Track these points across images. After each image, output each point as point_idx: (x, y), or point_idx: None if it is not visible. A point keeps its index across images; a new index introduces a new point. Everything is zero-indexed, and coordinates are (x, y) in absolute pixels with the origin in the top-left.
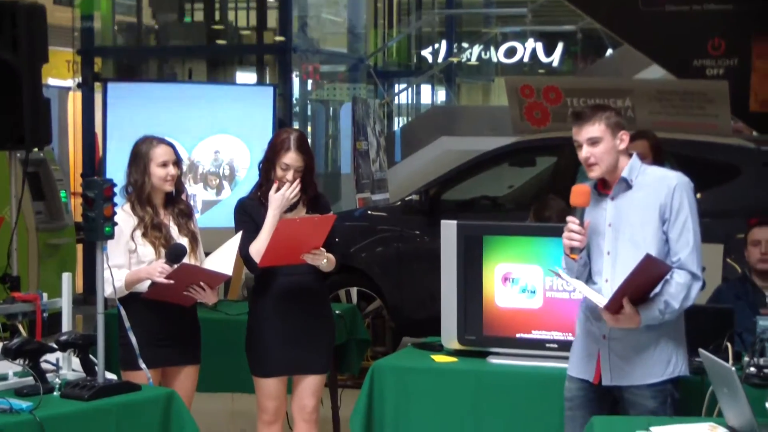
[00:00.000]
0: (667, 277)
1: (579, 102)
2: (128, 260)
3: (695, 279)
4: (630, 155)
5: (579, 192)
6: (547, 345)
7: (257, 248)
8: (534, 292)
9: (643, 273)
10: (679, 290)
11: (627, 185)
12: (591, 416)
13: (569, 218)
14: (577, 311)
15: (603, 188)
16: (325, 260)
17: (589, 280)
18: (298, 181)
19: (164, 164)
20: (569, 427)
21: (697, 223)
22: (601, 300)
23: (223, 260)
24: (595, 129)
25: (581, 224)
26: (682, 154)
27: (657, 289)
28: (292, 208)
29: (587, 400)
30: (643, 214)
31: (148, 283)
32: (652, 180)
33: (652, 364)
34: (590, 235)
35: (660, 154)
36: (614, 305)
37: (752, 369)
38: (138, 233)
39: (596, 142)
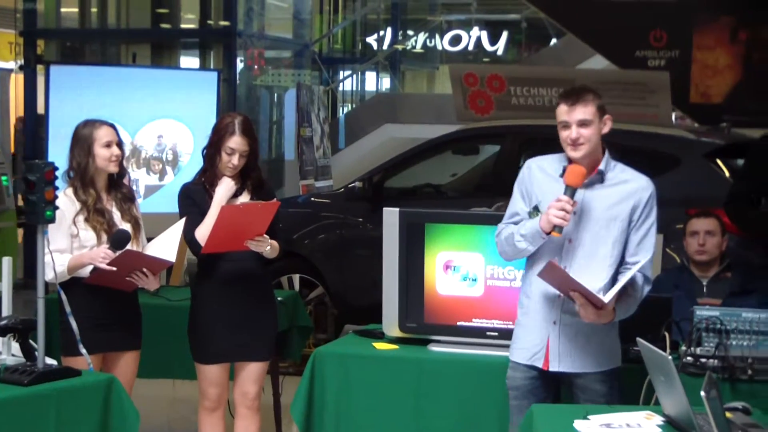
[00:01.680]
0: (632, 278)
1: (522, 91)
2: (70, 245)
3: (647, 282)
4: (604, 148)
5: (575, 172)
6: (488, 333)
7: (203, 232)
8: (475, 280)
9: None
10: (639, 290)
11: (601, 178)
12: (537, 403)
13: (562, 197)
14: (519, 299)
15: None
16: (268, 247)
17: (531, 259)
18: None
19: (108, 144)
20: (515, 416)
21: (656, 231)
22: (600, 297)
23: (166, 246)
24: (587, 111)
25: (572, 204)
26: (623, 144)
27: (624, 289)
28: (236, 194)
29: (533, 388)
30: (614, 210)
31: (90, 268)
32: (626, 178)
33: (601, 352)
34: None
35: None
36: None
37: (689, 358)
38: (80, 218)
39: (587, 123)
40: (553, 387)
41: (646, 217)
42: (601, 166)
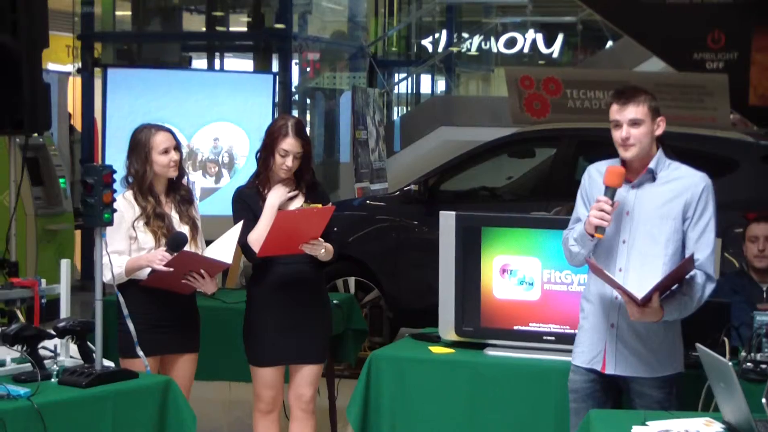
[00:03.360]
0: (687, 276)
1: (579, 93)
2: (128, 247)
3: (710, 280)
4: (658, 146)
5: (614, 172)
6: (545, 338)
7: (255, 237)
8: (532, 284)
9: (680, 272)
10: (697, 290)
11: (652, 177)
12: (596, 407)
13: (600, 197)
14: (578, 303)
15: (625, 174)
16: (323, 250)
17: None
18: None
19: (166, 151)
20: (574, 419)
21: (717, 227)
22: (636, 294)
23: (223, 249)
24: (639, 110)
25: (612, 204)
26: (681, 146)
27: (675, 286)
28: (289, 200)
29: (593, 391)
30: (665, 208)
31: (147, 270)
32: (678, 176)
33: (657, 357)
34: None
35: (662, 148)
36: (647, 299)
37: (749, 364)
38: (140, 222)
39: (638, 123)
40: (613, 392)
41: (702, 213)
42: (651, 165)
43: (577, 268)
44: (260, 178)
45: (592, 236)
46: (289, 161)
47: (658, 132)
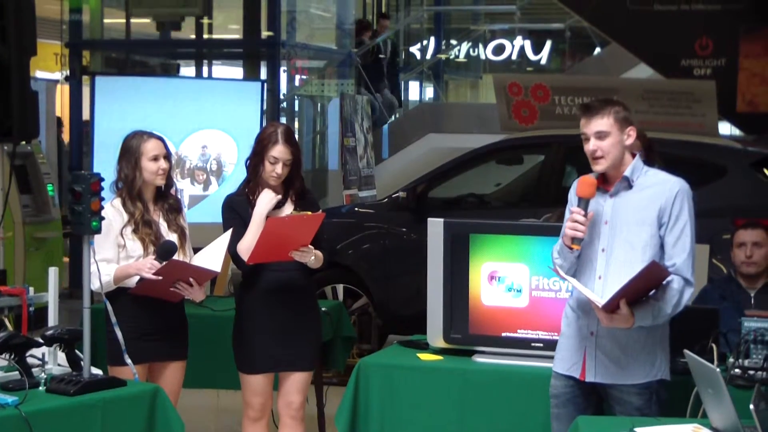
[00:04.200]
0: (664, 282)
1: (567, 100)
2: (117, 255)
3: (688, 285)
4: (634, 154)
5: (585, 183)
6: (533, 344)
7: (245, 246)
8: (520, 291)
9: (646, 277)
10: (672, 295)
11: (628, 184)
12: (577, 414)
13: (573, 209)
14: (563, 310)
15: (602, 183)
16: (313, 257)
17: (577, 273)
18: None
19: (155, 158)
20: (555, 425)
21: (694, 231)
22: (599, 299)
23: (211, 257)
24: (603, 122)
25: (585, 215)
26: (669, 153)
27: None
28: (279, 204)
29: (573, 397)
30: (641, 215)
31: (136, 278)
32: (654, 182)
33: (637, 364)
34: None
35: (651, 155)
36: (612, 305)
37: (737, 370)
38: (128, 229)
39: (604, 135)
40: (594, 398)
41: (678, 217)
42: (627, 173)
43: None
44: (250, 185)
45: (571, 248)
46: (278, 168)
47: (629, 141)
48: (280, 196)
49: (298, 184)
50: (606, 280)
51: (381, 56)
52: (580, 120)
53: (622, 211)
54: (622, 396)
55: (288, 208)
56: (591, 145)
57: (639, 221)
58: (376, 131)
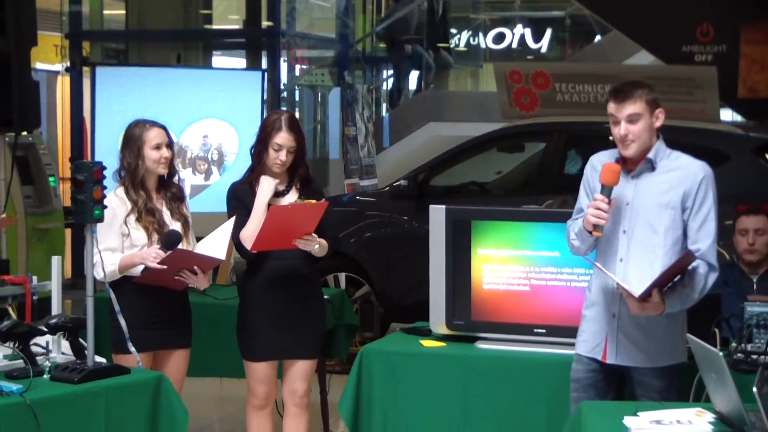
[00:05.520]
0: (689, 267)
1: (567, 87)
2: (121, 244)
3: (712, 270)
4: (658, 136)
5: (610, 170)
6: (535, 330)
7: (247, 234)
8: (522, 277)
9: (679, 266)
10: (699, 280)
11: (651, 166)
12: (597, 398)
13: (598, 195)
14: (568, 296)
15: (624, 164)
16: (317, 246)
17: (597, 254)
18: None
19: (158, 147)
20: (575, 409)
21: (718, 216)
22: (635, 291)
23: (215, 245)
24: (636, 106)
25: (609, 202)
26: (671, 139)
27: (677, 278)
28: (283, 192)
29: (594, 381)
30: (664, 198)
31: (140, 267)
32: (678, 165)
33: (659, 347)
34: None
35: None
36: (644, 295)
37: (740, 355)
38: (132, 218)
39: (635, 119)
40: (615, 382)
41: (702, 203)
42: (650, 155)
43: (567, 262)
44: (254, 173)
45: (591, 233)
46: (282, 155)
47: (658, 124)
48: (279, 181)
49: (303, 172)
50: (628, 262)
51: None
52: (609, 103)
53: (644, 193)
54: (644, 379)
55: (292, 196)
56: (622, 129)
57: (662, 204)
58: (377, 120)
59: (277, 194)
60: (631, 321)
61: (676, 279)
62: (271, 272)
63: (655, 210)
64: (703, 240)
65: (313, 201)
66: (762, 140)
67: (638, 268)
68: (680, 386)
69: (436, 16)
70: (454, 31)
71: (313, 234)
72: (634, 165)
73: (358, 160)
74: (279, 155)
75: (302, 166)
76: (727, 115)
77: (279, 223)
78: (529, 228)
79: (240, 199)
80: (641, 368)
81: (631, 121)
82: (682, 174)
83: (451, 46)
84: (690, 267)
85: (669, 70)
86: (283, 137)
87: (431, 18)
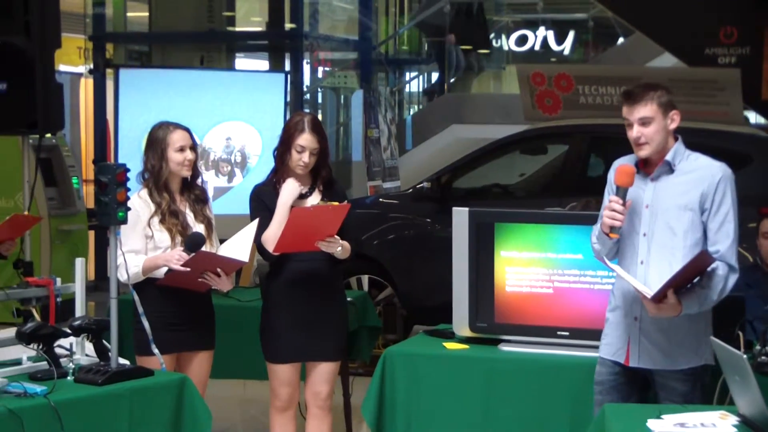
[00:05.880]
0: (708, 269)
1: (590, 90)
2: (145, 246)
3: (732, 271)
4: (676, 138)
5: (624, 172)
6: (559, 333)
7: (269, 236)
8: (546, 279)
9: (694, 266)
10: (718, 282)
11: (669, 168)
12: (621, 401)
13: (612, 197)
14: (591, 299)
15: (643, 167)
16: (339, 248)
17: (618, 258)
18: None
19: (181, 149)
20: (598, 411)
21: (737, 217)
22: (648, 291)
23: (239, 247)
24: (647, 109)
25: (624, 204)
26: (694, 142)
27: (696, 279)
28: (306, 194)
29: (618, 384)
30: (683, 199)
31: (164, 269)
32: (696, 167)
33: (681, 350)
34: (627, 214)
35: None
36: (660, 295)
37: (764, 357)
38: (155, 220)
39: (648, 122)
40: (638, 385)
41: (721, 204)
42: (668, 157)
43: (591, 264)
44: (277, 175)
45: (608, 236)
46: (305, 157)
47: (672, 126)
48: (302, 186)
49: (325, 173)
50: (648, 265)
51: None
52: (623, 106)
53: (663, 195)
54: (666, 382)
55: (315, 199)
56: (635, 132)
57: (681, 206)
58: (400, 122)
59: (300, 196)
60: (653, 324)
61: (696, 280)
62: (293, 274)
63: (674, 212)
64: (722, 241)
65: (336, 203)
66: None
67: (659, 270)
68: (705, 389)
69: (474, 18)
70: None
71: (336, 236)
72: (653, 167)
73: (381, 162)
74: (302, 157)
75: (325, 168)
76: (750, 117)
77: (301, 225)
78: (553, 230)
79: (263, 201)
80: (664, 371)
81: (643, 123)
82: (700, 175)
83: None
84: (709, 269)
85: (692, 73)
86: (306, 139)
87: (469, 18)
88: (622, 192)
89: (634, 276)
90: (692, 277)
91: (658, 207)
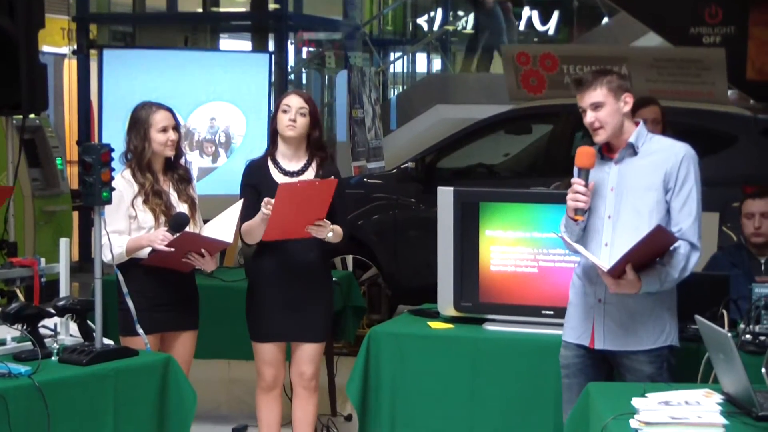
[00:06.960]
0: (671, 247)
1: (575, 69)
2: (128, 226)
3: (694, 249)
4: (637, 122)
5: (584, 153)
6: (543, 312)
7: (245, 230)
8: (530, 259)
9: (651, 242)
10: (679, 260)
11: (633, 151)
12: (587, 382)
13: (574, 180)
14: (570, 276)
15: (607, 152)
16: (330, 233)
17: (583, 241)
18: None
19: (164, 129)
20: (567, 395)
21: (700, 195)
22: (604, 265)
23: (223, 227)
24: (597, 94)
25: (586, 185)
26: (679, 122)
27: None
28: (299, 172)
29: (584, 366)
30: (647, 180)
31: (148, 249)
32: (659, 148)
33: (646, 331)
34: (592, 198)
35: (664, 122)
36: (617, 271)
37: (748, 336)
38: (139, 200)
39: (599, 106)
40: (605, 367)
41: (684, 182)
42: (631, 139)
43: None
44: (272, 146)
45: (575, 220)
46: (291, 114)
47: (626, 109)
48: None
49: (316, 136)
50: (613, 247)
51: None
52: (576, 95)
53: (627, 177)
54: (633, 364)
55: (310, 175)
56: (588, 117)
57: (645, 187)
58: (384, 103)
59: (295, 173)
60: (617, 305)
61: (658, 259)
62: (279, 254)
63: (639, 193)
64: (685, 219)
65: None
66: None
67: (622, 251)
68: (672, 370)
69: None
70: (461, 13)
71: (325, 219)
72: (616, 152)
73: (365, 142)
74: (288, 115)
75: (315, 130)
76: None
77: (289, 203)
78: (537, 210)
79: (252, 177)
80: (630, 352)
81: (595, 108)
82: (663, 156)
83: (458, 28)
84: (671, 247)
85: (677, 52)
86: (290, 98)
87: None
88: (584, 174)
89: (597, 258)
90: (654, 255)
91: (623, 188)
